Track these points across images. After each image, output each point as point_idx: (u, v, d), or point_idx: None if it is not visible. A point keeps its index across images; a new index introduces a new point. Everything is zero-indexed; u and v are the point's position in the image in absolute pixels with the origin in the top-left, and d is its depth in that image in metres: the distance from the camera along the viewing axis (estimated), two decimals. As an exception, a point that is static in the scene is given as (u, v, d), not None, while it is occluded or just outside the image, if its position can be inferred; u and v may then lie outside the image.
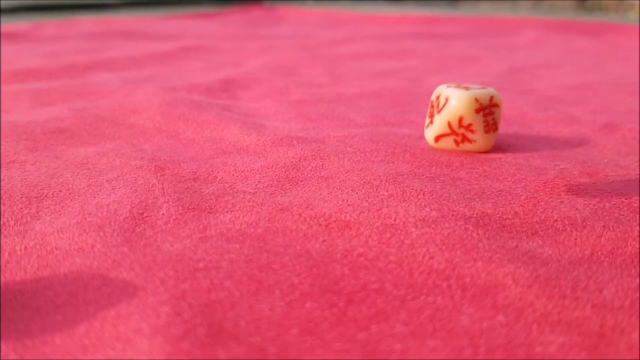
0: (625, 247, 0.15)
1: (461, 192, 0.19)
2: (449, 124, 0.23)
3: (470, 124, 0.23)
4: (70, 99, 0.33)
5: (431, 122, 0.24)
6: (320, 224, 0.17)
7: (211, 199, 0.18)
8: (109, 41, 0.59)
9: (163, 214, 0.17)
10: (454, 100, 0.23)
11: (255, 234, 0.16)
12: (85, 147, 0.24)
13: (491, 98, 0.23)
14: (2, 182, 0.20)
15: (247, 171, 0.21)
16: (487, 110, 0.23)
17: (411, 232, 0.16)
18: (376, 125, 0.28)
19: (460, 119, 0.23)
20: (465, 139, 0.23)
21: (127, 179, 0.20)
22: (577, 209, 0.18)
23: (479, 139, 0.23)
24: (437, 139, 0.24)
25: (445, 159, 0.23)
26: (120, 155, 0.23)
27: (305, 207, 0.18)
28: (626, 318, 0.12)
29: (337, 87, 0.38)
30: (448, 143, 0.24)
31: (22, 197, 0.19)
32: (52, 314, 0.12)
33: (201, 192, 0.19)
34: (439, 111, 0.24)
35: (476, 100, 0.23)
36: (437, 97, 0.24)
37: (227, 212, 0.17)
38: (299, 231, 0.16)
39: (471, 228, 0.16)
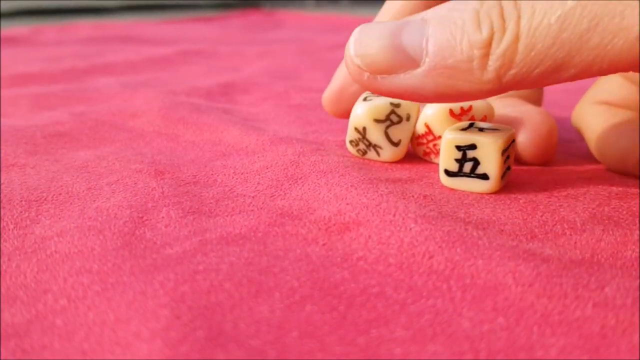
0: (625, 251, 0.15)
1: (460, 198, 0.19)
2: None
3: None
4: (69, 103, 0.33)
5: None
6: (319, 228, 0.16)
7: (211, 202, 0.18)
8: (108, 45, 0.59)
9: (163, 217, 0.17)
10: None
11: (255, 238, 0.16)
12: (85, 151, 0.24)
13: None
14: (2, 186, 0.20)
15: (247, 173, 0.21)
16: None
17: (411, 229, 0.16)
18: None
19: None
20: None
21: (126, 183, 0.20)
22: (576, 212, 0.18)
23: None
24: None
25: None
26: (120, 158, 0.23)
27: (305, 211, 0.18)
28: (628, 317, 0.12)
29: (336, 91, 0.38)
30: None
31: (21, 201, 0.19)
32: (51, 317, 0.12)
33: (201, 195, 0.19)
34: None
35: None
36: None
37: (227, 215, 0.17)
38: (299, 235, 0.16)
39: (471, 228, 0.16)
